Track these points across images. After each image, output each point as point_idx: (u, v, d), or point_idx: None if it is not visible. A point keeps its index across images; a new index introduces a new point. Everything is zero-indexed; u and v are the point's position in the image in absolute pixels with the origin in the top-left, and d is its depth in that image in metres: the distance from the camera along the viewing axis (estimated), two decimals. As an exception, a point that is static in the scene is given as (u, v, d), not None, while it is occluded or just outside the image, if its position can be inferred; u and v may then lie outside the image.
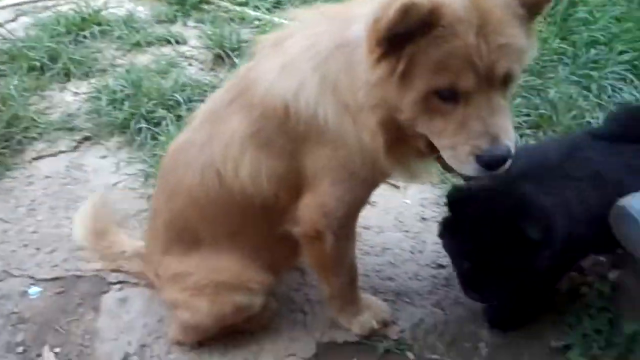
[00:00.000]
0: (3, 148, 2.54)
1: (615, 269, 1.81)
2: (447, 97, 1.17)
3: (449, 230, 1.62)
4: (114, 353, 1.77)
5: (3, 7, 3.55)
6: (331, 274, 1.65)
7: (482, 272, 1.56)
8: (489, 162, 1.19)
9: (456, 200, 1.58)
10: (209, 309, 1.60)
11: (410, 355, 1.72)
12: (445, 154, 1.25)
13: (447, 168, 1.34)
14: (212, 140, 1.49)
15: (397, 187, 2.36)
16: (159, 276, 1.72)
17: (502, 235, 1.47)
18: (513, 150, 1.20)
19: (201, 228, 1.59)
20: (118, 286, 1.97)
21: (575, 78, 2.77)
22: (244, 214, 1.52)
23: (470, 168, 1.21)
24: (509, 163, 1.22)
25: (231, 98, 1.49)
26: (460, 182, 1.76)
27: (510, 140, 1.19)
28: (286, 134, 1.42)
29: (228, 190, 1.49)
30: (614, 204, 1.57)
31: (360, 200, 1.53)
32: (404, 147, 1.34)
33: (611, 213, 1.58)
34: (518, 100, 2.60)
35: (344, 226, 1.52)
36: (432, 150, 1.30)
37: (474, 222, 1.52)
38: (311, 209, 1.48)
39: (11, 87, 2.83)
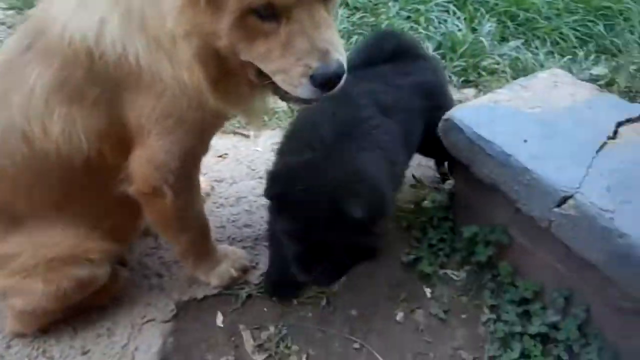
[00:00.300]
0: None
1: (449, 180, 1.95)
2: (266, 15, 1.09)
3: (275, 210, 1.50)
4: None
5: None
6: (178, 231, 1.55)
7: (313, 254, 1.43)
8: (323, 82, 1.12)
9: (278, 177, 1.45)
10: (44, 289, 1.42)
11: (271, 296, 1.72)
12: (277, 79, 1.16)
13: (282, 96, 1.26)
14: (9, 96, 1.29)
15: (247, 136, 2.31)
16: (-21, 265, 1.49)
17: (328, 215, 1.33)
18: (345, 65, 1.15)
19: (17, 202, 1.39)
20: None
21: (405, 13, 2.90)
22: (65, 178, 1.35)
23: (305, 90, 1.14)
24: (343, 80, 1.16)
25: (26, 45, 1.29)
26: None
27: (341, 54, 1.14)
28: (97, 82, 1.27)
29: (40, 154, 1.31)
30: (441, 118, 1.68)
31: (194, 149, 1.41)
32: (232, 80, 1.25)
33: (440, 126, 1.69)
34: (354, 37, 2.66)
35: (183, 178, 1.42)
36: (263, 78, 1.22)
37: (298, 201, 1.37)
38: (142, 164, 1.36)
39: None
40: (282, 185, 1.41)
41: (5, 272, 1.45)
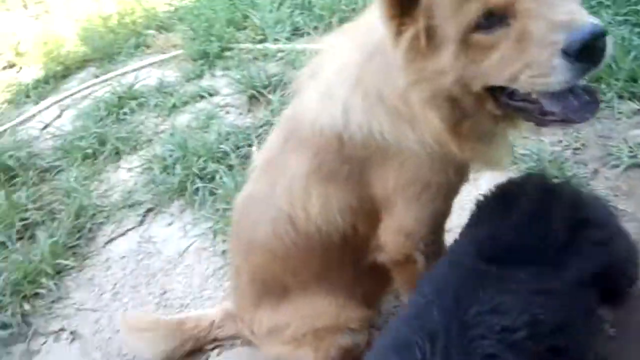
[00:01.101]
0: (77, 239, 2.61)
1: None
2: (489, 24, 1.00)
3: None
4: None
5: (47, 107, 3.72)
6: None
7: None
8: (581, 48, 0.91)
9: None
10: (315, 357, 1.53)
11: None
12: (523, 82, 1.01)
13: (538, 119, 1.11)
14: (274, 188, 1.45)
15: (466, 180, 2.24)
16: (254, 333, 1.67)
17: None
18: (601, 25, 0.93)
19: (286, 277, 1.54)
20: (216, 351, 1.95)
21: (620, 18, 2.57)
22: (325, 253, 1.46)
23: (562, 73, 0.95)
24: (609, 40, 0.95)
25: (283, 141, 1.45)
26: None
27: (589, 16, 0.95)
28: (347, 163, 1.35)
29: (304, 234, 1.44)
30: None
31: (440, 212, 1.42)
32: (471, 122, 1.19)
33: None
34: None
35: (432, 243, 1.42)
36: (505, 107, 1.13)
37: None
38: (392, 234, 1.40)
39: (71, 179, 2.93)
40: None
41: (278, 341, 1.60)
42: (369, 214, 1.41)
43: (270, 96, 2.98)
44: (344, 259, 1.47)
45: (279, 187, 1.44)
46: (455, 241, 1.38)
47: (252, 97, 3.07)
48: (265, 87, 3.03)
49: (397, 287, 1.60)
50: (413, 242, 1.39)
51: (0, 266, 2.55)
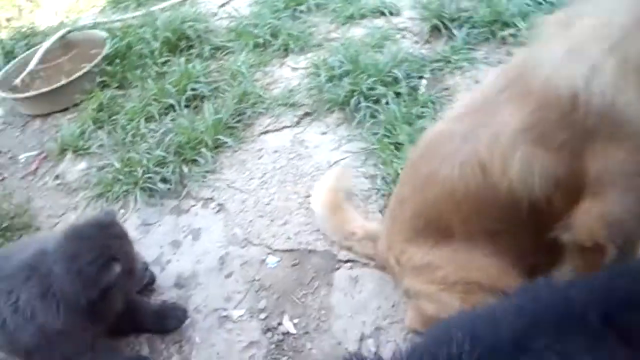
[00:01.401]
0: (236, 122, 2.76)
1: None
2: None
3: None
4: (350, 331, 1.83)
5: (227, -15, 3.83)
6: None
7: None
8: None
9: None
10: (459, 307, 1.53)
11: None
12: None
13: None
14: (477, 131, 1.38)
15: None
16: (399, 263, 1.70)
17: None
18: None
19: (454, 222, 1.51)
20: (349, 265, 2.03)
21: None
22: (507, 214, 1.40)
23: None
24: None
25: (502, 87, 1.36)
26: None
27: None
28: (570, 129, 1.25)
29: (491, 188, 1.38)
30: None
31: None
32: None
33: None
34: None
35: (631, 239, 1.32)
36: None
37: None
38: (591, 218, 1.30)
39: (239, 63, 3.06)
40: None
41: (424, 279, 1.61)
42: (570, 189, 1.31)
43: (455, 31, 2.82)
44: (525, 226, 1.40)
45: (482, 132, 1.37)
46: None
47: (434, 28, 2.93)
48: (452, 20, 2.87)
49: (569, 267, 1.52)
50: (612, 232, 1.29)
51: (169, 126, 2.79)
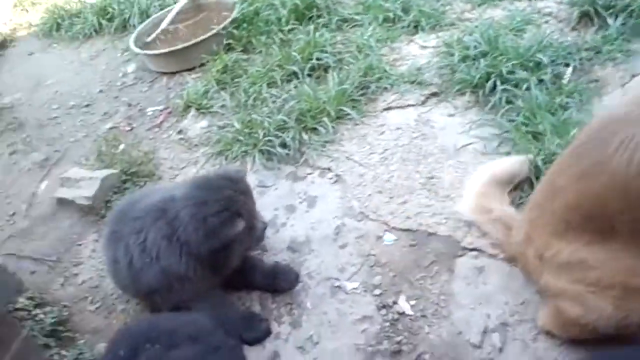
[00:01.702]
0: (360, 95, 2.69)
1: None
2: None
3: None
4: (472, 322, 1.72)
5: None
6: None
7: None
8: None
9: None
10: (612, 313, 1.38)
11: None
12: None
13: None
14: None
15: None
16: (541, 258, 1.56)
17: None
18: None
19: (620, 220, 1.35)
20: (474, 253, 1.91)
21: None
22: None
23: None
24: None
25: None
26: None
27: None
28: None
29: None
30: None
31: None
32: None
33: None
34: None
35: None
36: None
37: None
38: None
39: (367, 37, 2.99)
40: None
41: (571, 278, 1.46)
42: None
43: (609, 20, 2.56)
44: None
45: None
46: None
47: (584, 15, 2.68)
48: (607, 7, 2.61)
49: None
50: None
51: (292, 93, 2.79)
